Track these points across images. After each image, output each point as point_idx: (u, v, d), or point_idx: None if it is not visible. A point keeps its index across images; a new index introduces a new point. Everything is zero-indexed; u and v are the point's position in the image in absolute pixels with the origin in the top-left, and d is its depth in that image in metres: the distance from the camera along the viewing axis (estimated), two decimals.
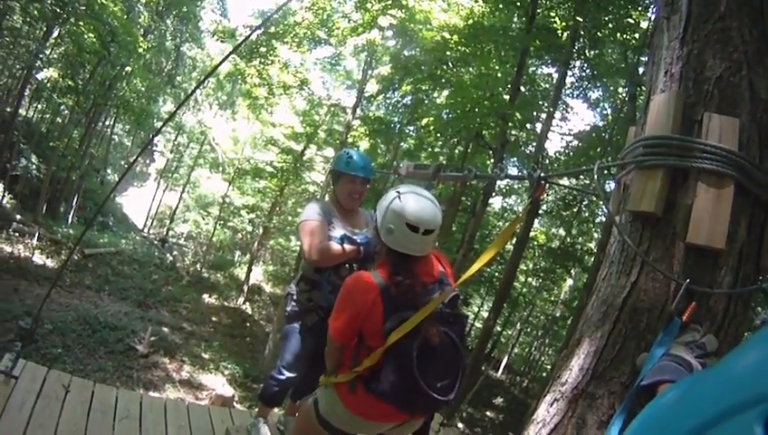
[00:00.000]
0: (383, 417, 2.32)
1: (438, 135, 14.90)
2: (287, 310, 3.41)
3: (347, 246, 3.07)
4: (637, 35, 10.69)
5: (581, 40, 11.84)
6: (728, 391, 0.69)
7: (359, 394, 2.23)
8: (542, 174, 2.37)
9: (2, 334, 10.01)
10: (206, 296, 21.21)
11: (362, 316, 2.17)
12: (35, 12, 15.46)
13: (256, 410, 3.99)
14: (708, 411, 0.69)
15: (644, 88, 2.28)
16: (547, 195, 15.55)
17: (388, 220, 2.22)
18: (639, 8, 10.28)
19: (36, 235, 15.94)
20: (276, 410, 4.18)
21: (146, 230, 30.45)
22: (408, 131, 17.69)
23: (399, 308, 2.13)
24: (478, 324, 20.77)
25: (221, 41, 17.71)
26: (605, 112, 14.96)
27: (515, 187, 18.18)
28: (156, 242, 27.12)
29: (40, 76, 18.45)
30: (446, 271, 2.45)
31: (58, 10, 14.71)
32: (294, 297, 3.36)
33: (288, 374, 3.41)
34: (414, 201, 2.24)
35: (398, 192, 2.29)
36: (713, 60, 1.84)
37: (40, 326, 10.92)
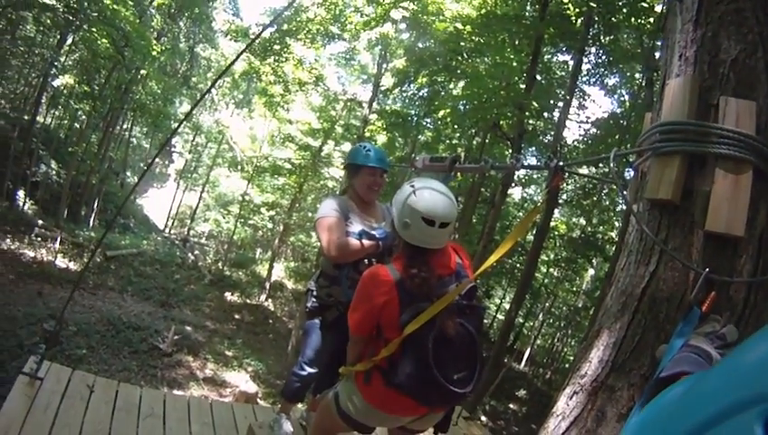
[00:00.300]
0: (402, 410, 2.32)
1: (456, 127, 14.86)
2: (307, 306, 3.42)
3: (366, 242, 3.06)
4: (651, 19, 10.52)
5: (596, 26, 11.70)
6: (728, 391, 0.69)
7: (376, 386, 2.25)
8: (560, 163, 2.34)
9: (27, 337, 10.19)
10: (228, 294, 21.38)
11: (378, 309, 2.18)
12: (48, 21, 15.63)
13: (279, 406, 4.01)
14: (708, 410, 0.69)
15: (660, 73, 2.24)
16: (566, 184, 15.44)
17: (405, 215, 2.23)
18: None
19: (58, 239, 16.17)
20: (299, 405, 4.20)
21: (167, 231, 30.70)
22: (425, 124, 17.67)
23: (415, 300, 2.15)
24: (500, 316, 20.72)
25: (234, 40, 17.78)
26: (623, 99, 14.80)
27: (535, 177, 18.08)
28: (177, 242, 27.32)
29: (56, 83, 18.62)
30: (463, 263, 2.46)
31: (71, 18, 14.83)
32: (314, 293, 3.36)
33: (309, 370, 3.43)
34: (429, 195, 2.25)
35: (413, 186, 2.29)
36: (727, 42, 1.80)
37: (64, 328, 11.11)
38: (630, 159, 2.14)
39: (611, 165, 2.06)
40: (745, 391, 0.62)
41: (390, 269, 2.24)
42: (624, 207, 12.76)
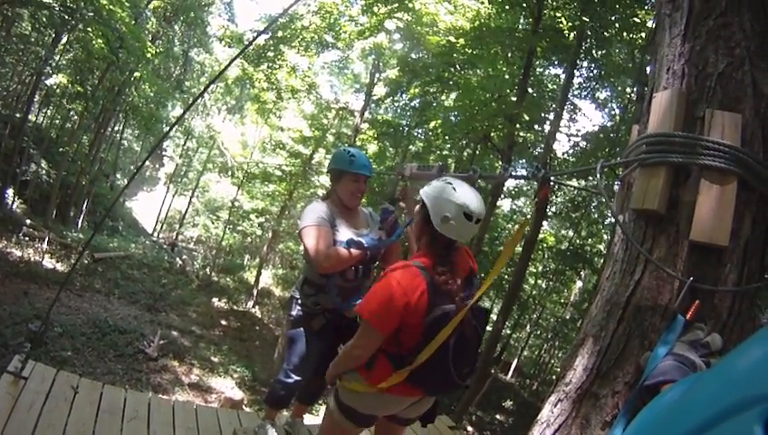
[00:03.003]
0: (405, 391, 2.34)
1: (447, 137, 14.89)
2: (292, 314, 3.36)
3: (354, 251, 3.03)
4: (643, 34, 10.62)
5: (588, 40, 11.76)
6: (727, 392, 0.68)
7: (380, 370, 2.29)
8: (547, 173, 2.38)
9: (12, 337, 10.08)
10: (215, 300, 21.29)
11: (411, 308, 2.16)
12: (44, 18, 15.54)
13: (264, 412, 3.98)
14: (708, 412, 0.68)
15: (649, 86, 2.28)
16: (555, 196, 15.51)
17: (445, 209, 2.26)
18: (646, 7, 10.21)
19: (46, 239, 16.04)
20: (284, 412, 4.17)
21: (155, 234, 30.52)
22: (416, 134, 17.69)
23: (441, 301, 2.19)
24: (488, 327, 20.72)
25: (229, 46, 17.79)
26: (613, 113, 14.88)
27: (524, 188, 18.15)
28: (165, 246, 27.20)
29: (49, 82, 18.52)
30: (473, 266, 2.53)
31: (66, 17, 14.75)
32: (299, 302, 3.31)
33: (295, 378, 3.38)
34: (467, 191, 2.31)
35: (450, 183, 2.35)
36: (715, 56, 1.83)
37: (50, 329, 10.99)
38: (619, 172, 2.18)
39: (597, 175, 2.08)
40: (745, 392, 0.62)
41: (420, 268, 2.23)
42: (612, 220, 12.82)
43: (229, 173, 26.15)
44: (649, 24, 10.30)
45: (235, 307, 21.64)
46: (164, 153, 35.85)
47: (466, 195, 2.29)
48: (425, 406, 2.56)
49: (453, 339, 2.18)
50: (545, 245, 18.78)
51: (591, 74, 13.50)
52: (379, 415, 2.53)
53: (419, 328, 2.18)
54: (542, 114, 12.66)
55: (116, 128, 26.93)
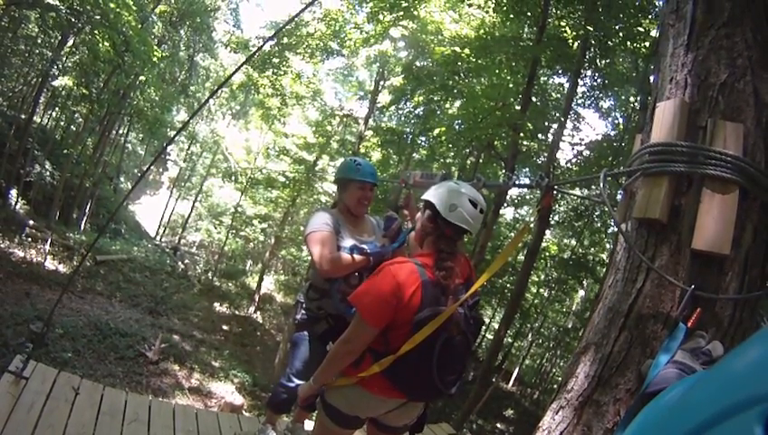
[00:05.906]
0: (388, 391, 2.33)
1: (450, 145, 14.90)
2: (296, 318, 3.40)
3: (357, 257, 3.05)
4: (647, 44, 10.63)
5: (592, 49, 11.79)
6: (727, 392, 0.68)
7: (366, 368, 2.28)
8: (551, 182, 2.40)
9: (13, 337, 10.07)
10: (217, 305, 21.27)
11: (403, 305, 2.18)
12: (51, 20, 15.60)
13: (264, 417, 3.98)
14: (708, 411, 0.68)
15: (652, 96, 2.30)
16: (558, 205, 15.50)
17: (451, 199, 2.37)
18: (650, 16, 10.25)
19: (49, 240, 16.04)
20: (285, 417, 4.17)
21: (158, 238, 30.56)
22: (420, 142, 17.69)
23: (434, 302, 2.20)
24: (489, 336, 20.69)
25: (234, 51, 17.86)
26: (617, 122, 14.87)
27: (527, 197, 18.16)
28: (168, 250, 27.18)
29: (55, 84, 18.51)
30: (472, 276, 2.53)
31: (73, 19, 14.79)
32: (304, 306, 3.35)
33: (297, 382, 3.38)
34: (467, 185, 2.47)
35: (454, 180, 2.53)
36: (717, 66, 1.84)
37: (51, 331, 10.98)
38: (622, 181, 2.20)
39: (601, 184, 2.09)
40: (745, 392, 0.63)
41: (418, 268, 2.25)
42: (615, 229, 12.76)
43: (233, 178, 26.20)
44: (653, 33, 10.32)
45: (236, 312, 21.63)
46: (168, 157, 35.88)
47: (467, 187, 2.44)
48: (412, 413, 2.55)
49: (440, 341, 2.19)
50: (548, 254, 18.78)
51: (595, 83, 13.50)
52: (362, 416, 2.52)
53: (408, 327, 2.18)
54: (546, 123, 12.67)
55: (120, 131, 27.05)
